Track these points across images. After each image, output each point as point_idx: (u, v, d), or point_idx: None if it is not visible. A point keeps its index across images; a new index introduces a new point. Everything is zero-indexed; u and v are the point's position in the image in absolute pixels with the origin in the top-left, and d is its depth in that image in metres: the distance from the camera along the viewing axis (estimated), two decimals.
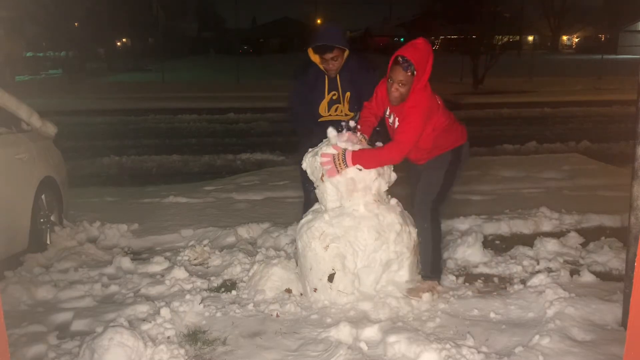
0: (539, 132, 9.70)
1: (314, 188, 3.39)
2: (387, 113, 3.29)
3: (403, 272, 3.22)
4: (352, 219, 3.18)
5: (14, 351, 2.59)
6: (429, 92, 3.13)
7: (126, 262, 3.73)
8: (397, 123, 3.19)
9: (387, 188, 3.34)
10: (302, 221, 3.35)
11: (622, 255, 3.54)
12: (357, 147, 3.17)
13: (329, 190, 3.28)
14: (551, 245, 3.96)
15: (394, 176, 3.34)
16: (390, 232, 3.17)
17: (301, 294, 3.29)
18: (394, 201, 3.36)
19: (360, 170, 3.16)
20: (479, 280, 3.52)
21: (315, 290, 3.20)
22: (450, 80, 19.75)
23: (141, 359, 2.51)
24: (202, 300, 3.23)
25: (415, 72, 3.00)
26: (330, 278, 3.15)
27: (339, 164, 3.12)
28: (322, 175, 3.26)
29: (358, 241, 3.14)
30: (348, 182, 3.20)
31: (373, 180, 3.22)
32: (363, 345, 2.68)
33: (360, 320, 2.92)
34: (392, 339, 2.68)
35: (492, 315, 3.03)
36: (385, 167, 3.30)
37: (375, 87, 3.32)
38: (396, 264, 3.20)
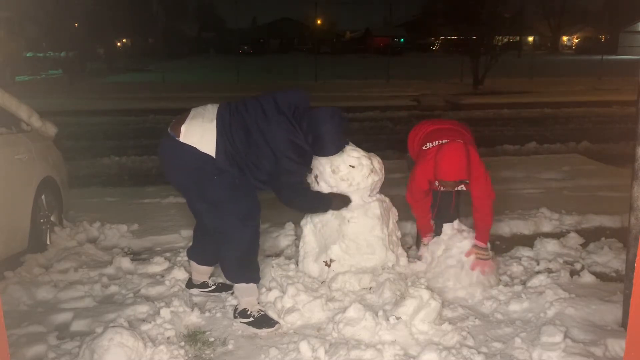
0: (539, 133, 9.68)
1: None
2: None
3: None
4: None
5: (14, 351, 2.59)
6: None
7: (126, 263, 3.73)
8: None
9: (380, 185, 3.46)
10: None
11: (622, 256, 3.54)
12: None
13: (325, 190, 3.33)
14: (551, 245, 3.96)
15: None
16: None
17: None
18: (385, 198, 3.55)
19: (353, 167, 3.27)
20: None
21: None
22: (450, 81, 19.72)
23: (141, 359, 2.52)
24: (202, 301, 3.24)
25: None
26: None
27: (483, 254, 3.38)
28: (316, 177, 3.32)
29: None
30: (342, 181, 3.28)
31: (366, 177, 3.30)
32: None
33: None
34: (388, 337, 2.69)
35: (492, 315, 3.04)
36: (376, 163, 3.40)
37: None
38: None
